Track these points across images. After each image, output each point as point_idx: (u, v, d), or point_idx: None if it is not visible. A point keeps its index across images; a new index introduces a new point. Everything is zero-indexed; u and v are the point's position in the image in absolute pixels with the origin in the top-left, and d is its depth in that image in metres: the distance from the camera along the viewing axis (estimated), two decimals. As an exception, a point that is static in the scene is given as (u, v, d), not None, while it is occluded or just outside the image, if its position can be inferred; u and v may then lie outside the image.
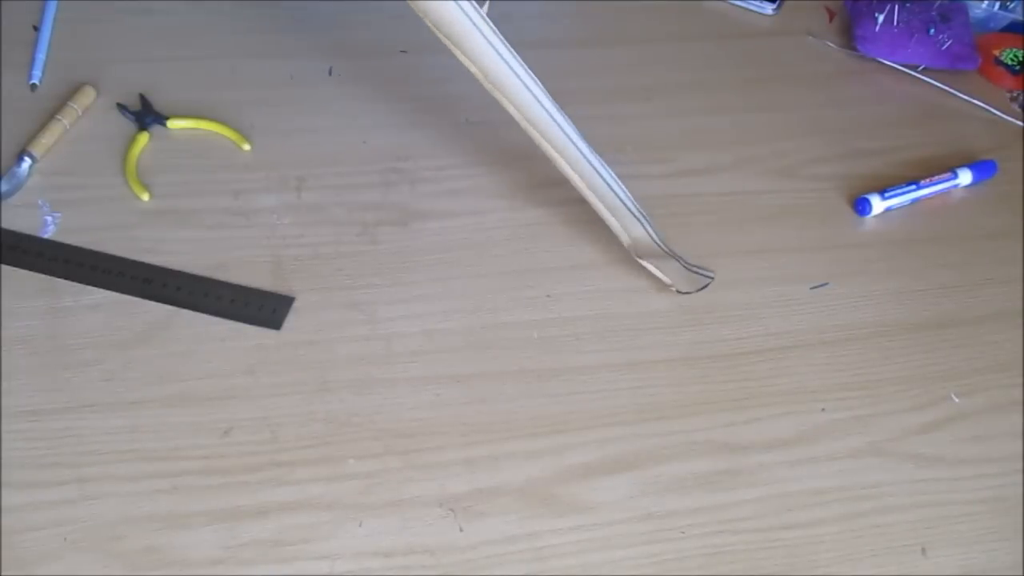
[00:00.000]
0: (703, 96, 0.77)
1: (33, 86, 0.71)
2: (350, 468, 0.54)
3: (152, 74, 0.73)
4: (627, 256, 0.63)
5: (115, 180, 0.66)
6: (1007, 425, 0.59)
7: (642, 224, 0.64)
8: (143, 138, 0.68)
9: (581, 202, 0.62)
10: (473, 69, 0.57)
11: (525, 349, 0.60)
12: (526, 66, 0.59)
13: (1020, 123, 0.78)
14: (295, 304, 0.61)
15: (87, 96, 0.70)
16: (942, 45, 0.81)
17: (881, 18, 0.81)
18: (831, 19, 0.86)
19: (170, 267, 0.62)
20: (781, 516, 0.54)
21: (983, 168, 0.73)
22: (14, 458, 0.52)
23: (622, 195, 0.63)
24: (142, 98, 0.70)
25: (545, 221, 0.67)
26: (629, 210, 0.63)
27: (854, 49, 0.82)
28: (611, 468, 0.55)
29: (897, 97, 0.80)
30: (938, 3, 0.83)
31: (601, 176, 0.62)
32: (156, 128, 0.69)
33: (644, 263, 0.62)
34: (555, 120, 0.60)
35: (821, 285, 0.65)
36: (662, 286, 0.63)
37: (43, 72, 0.72)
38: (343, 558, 0.50)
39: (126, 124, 0.69)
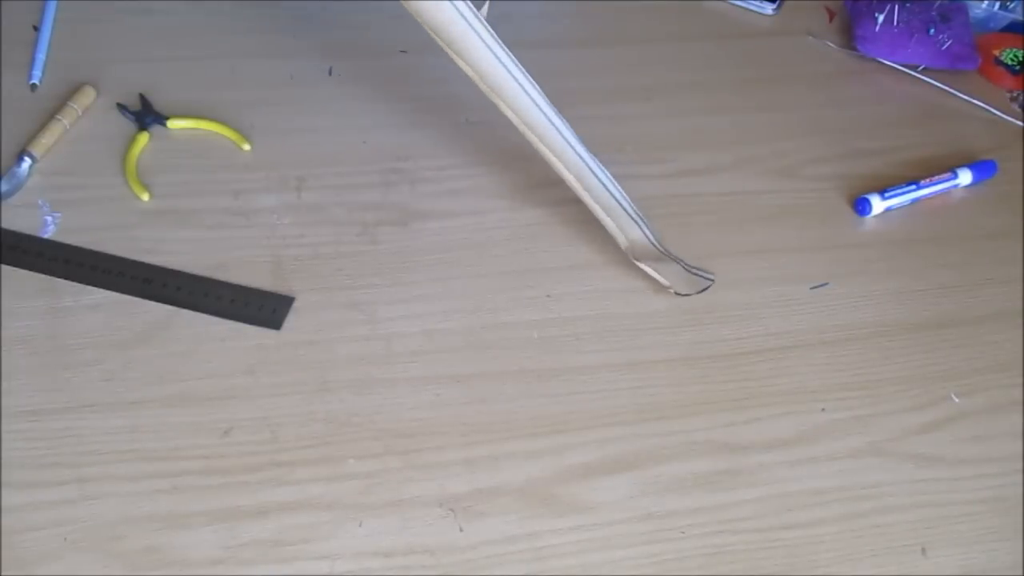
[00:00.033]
0: (703, 96, 0.77)
1: (33, 86, 0.71)
2: (350, 468, 0.54)
3: (152, 74, 0.73)
4: (627, 256, 0.63)
5: (115, 180, 0.66)
6: (1007, 425, 0.59)
7: (639, 226, 0.64)
8: (143, 138, 0.68)
9: (580, 202, 0.62)
10: (470, 72, 0.57)
11: (525, 349, 0.60)
12: (523, 69, 0.59)
13: (1020, 123, 0.78)
14: (295, 304, 0.61)
15: (87, 96, 0.70)
16: (942, 45, 0.81)
17: (881, 18, 0.81)
18: (831, 19, 0.86)
19: (170, 267, 0.62)
20: (781, 516, 0.54)
21: (983, 168, 0.73)
22: (14, 458, 0.52)
23: (619, 197, 0.63)
24: (142, 98, 0.70)
25: (545, 221, 0.67)
26: (626, 212, 0.63)
27: (854, 49, 0.82)
28: (611, 468, 0.55)
29: (897, 97, 0.80)
30: (938, 3, 0.83)
31: (598, 178, 0.62)
32: (156, 128, 0.69)
33: (642, 265, 0.62)
34: (552, 123, 0.60)
35: (821, 285, 0.65)
36: (661, 287, 0.63)
37: (43, 72, 0.72)
38: (343, 558, 0.50)
39: (126, 124, 0.69)
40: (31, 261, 0.61)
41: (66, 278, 0.60)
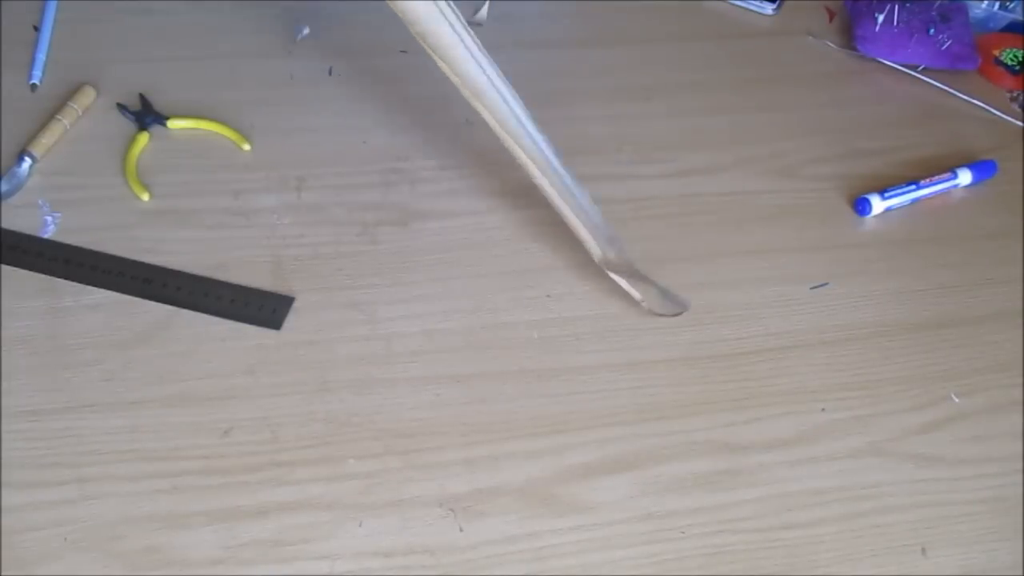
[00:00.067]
0: (703, 96, 0.77)
1: (33, 86, 0.71)
2: (350, 468, 0.54)
3: (152, 74, 0.73)
4: (600, 268, 0.63)
5: (115, 180, 0.66)
6: (1007, 425, 0.59)
7: (616, 246, 0.63)
8: (143, 138, 0.68)
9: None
10: (453, 78, 0.57)
11: (525, 349, 0.60)
12: (504, 79, 0.58)
13: (1020, 123, 0.78)
14: (295, 304, 0.61)
15: (87, 96, 0.70)
16: (942, 45, 0.81)
17: (881, 18, 0.81)
18: (831, 19, 0.86)
19: (170, 267, 0.62)
20: (781, 516, 0.54)
21: (983, 168, 0.73)
22: (14, 458, 0.52)
23: (596, 218, 0.62)
24: (142, 98, 0.70)
25: (545, 221, 0.67)
26: (603, 233, 0.62)
27: (854, 49, 0.82)
28: (611, 468, 0.55)
29: (897, 97, 0.80)
30: (938, 3, 0.83)
31: (574, 195, 0.61)
32: (156, 128, 0.69)
33: (615, 277, 0.61)
34: (531, 135, 0.59)
35: (821, 285, 0.65)
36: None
37: (43, 72, 0.72)
38: (343, 558, 0.50)
39: (126, 124, 0.69)
40: (31, 261, 0.61)
41: (66, 278, 0.60)
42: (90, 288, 0.60)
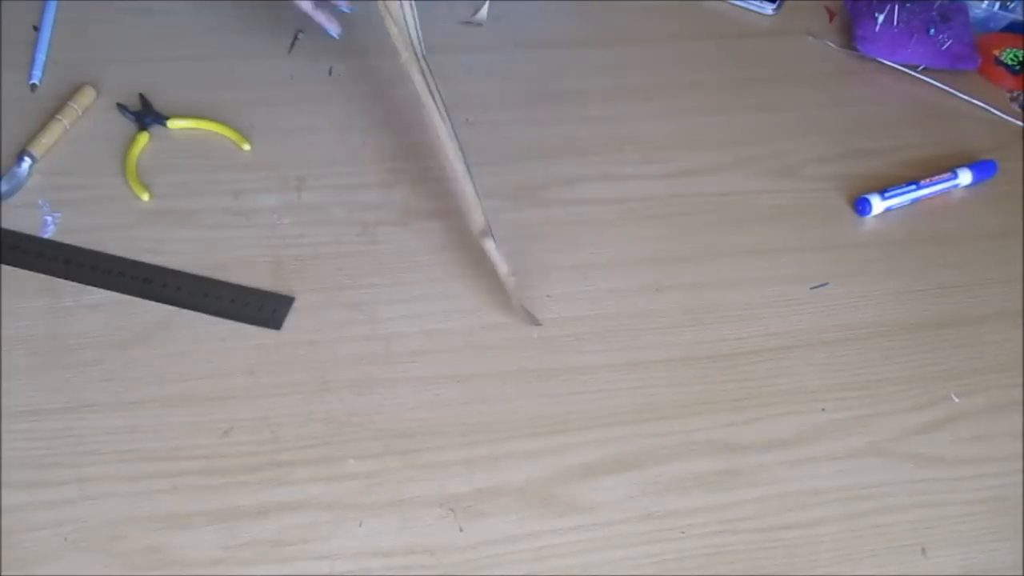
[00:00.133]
0: (703, 96, 0.77)
1: (33, 86, 0.71)
2: (350, 468, 0.54)
3: (152, 74, 0.73)
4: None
5: (115, 180, 0.66)
6: (1007, 425, 0.59)
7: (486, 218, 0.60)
8: (143, 138, 0.68)
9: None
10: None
11: (525, 349, 0.60)
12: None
13: (1020, 123, 0.78)
14: (295, 304, 0.61)
15: (87, 96, 0.70)
16: (942, 45, 0.81)
17: (881, 18, 0.81)
18: (831, 19, 0.86)
19: (170, 267, 0.62)
20: (781, 516, 0.54)
21: (983, 168, 0.73)
22: (14, 458, 0.52)
23: (476, 188, 0.60)
24: (142, 98, 0.70)
25: (546, 221, 0.67)
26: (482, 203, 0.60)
27: (854, 49, 0.82)
28: (611, 468, 0.55)
29: (897, 97, 0.80)
30: (938, 3, 0.83)
31: (464, 163, 0.59)
32: (156, 128, 0.69)
33: (489, 249, 0.59)
34: (438, 94, 0.58)
35: (821, 285, 0.65)
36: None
37: (43, 72, 0.72)
38: (343, 558, 0.50)
39: (126, 124, 0.69)
40: (31, 261, 0.61)
41: (66, 278, 0.60)
42: (90, 288, 0.60)
